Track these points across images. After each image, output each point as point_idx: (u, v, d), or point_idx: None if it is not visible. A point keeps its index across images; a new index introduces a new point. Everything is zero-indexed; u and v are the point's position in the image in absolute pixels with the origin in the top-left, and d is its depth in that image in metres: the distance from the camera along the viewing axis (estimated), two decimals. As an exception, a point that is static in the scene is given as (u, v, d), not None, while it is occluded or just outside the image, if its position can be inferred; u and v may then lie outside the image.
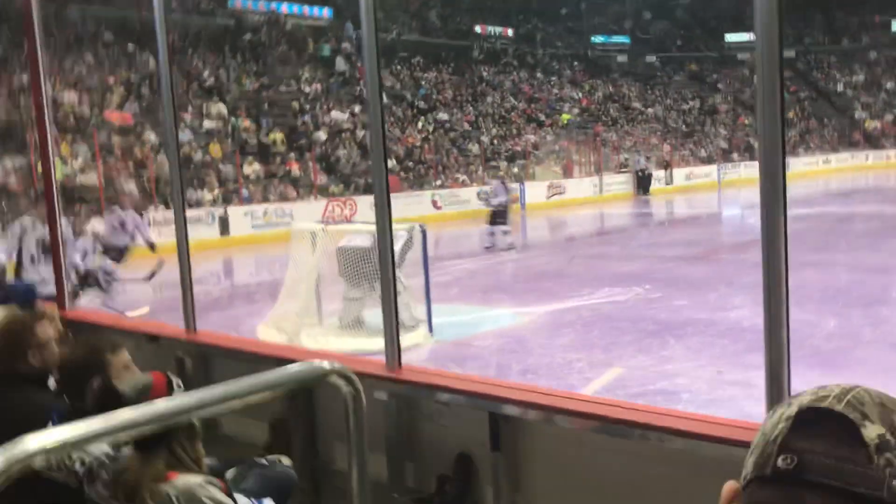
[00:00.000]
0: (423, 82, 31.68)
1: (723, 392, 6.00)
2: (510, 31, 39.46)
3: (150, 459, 1.95)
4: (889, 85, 42.60)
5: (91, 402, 2.01)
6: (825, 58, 44.64)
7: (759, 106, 2.01)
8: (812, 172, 33.48)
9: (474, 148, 28.49)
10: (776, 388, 2.03)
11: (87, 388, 2.13)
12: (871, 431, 0.60)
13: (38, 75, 5.16)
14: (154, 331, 3.98)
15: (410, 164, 25.45)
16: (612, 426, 2.35)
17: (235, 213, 18.95)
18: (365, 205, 20.67)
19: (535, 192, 26.52)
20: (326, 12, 32.10)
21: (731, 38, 44.76)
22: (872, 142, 39.79)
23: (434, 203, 23.23)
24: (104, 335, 3.75)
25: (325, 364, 1.73)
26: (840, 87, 43.69)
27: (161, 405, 1.47)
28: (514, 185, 22.93)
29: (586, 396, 2.71)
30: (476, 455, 2.79)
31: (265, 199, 20.48)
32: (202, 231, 17.33)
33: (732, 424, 2.15)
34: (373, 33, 2.85)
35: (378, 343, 7.12)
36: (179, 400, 1.55)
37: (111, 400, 1.91)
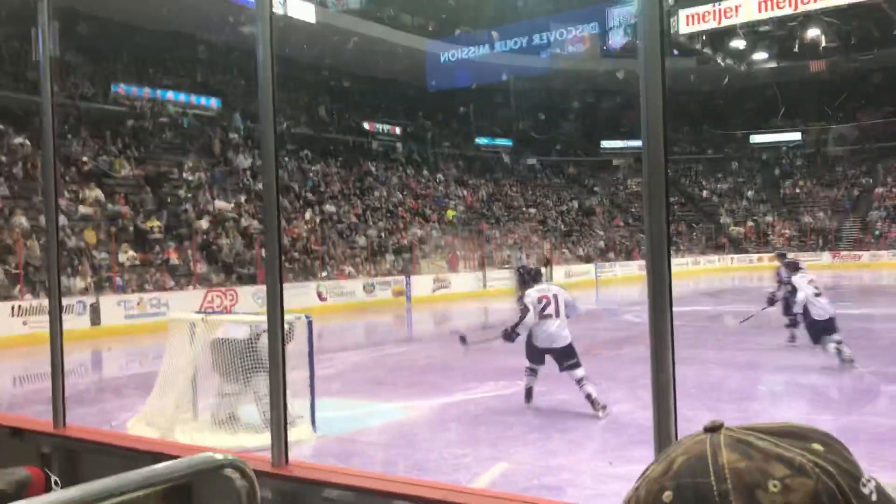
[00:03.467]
0: (311, 174, 31.79)
1: (606, 487, 6.04)
2: (398, 129, 40.42)
3: None
4: (749, 193, 45.89)
5: None
6: (693, 166, 47.80)
7: (645, 207, 2.09)
8: (682, 273, 35.26)
9: (361, 240, 28.57)
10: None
11: None
12: None
13: None
14: (17, 424, 3.67)
15: (296, 254, 25.21)
16: (505, 521, 2.30)
17: (108, 302, 18.11)
18: (246, 295, 20.20)
19: (420, 285, 26.71)
20: (214, 102, 31.97)
21: (606, 144, 47.39)
22: (736, 245, 42.48)
23: (319, 295, 22.97)
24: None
25: (218, 456, 1.63)
26: (706, 194, 46.72)
27: (42, 501, 1.33)
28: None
29: (479, 490, 2.66)
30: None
31: (140, 289, 19.71)
32: (72, 321, 16.43)
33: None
34: (271, 124, 2.83)
35: (253, 440, 6.88)
36: (62, 495, 1.41)
37: None
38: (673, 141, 45.94)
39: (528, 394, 8.76)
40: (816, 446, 0.62)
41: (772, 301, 12.68)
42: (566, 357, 8.39)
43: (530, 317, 8.39)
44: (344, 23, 31.81)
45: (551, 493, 5.76)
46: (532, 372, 8.75)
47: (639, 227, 41.09)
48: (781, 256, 12.88)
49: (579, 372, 8.35)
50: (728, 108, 45.47)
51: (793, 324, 12.13)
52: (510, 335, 8.61)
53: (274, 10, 2.94)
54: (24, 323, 15.95)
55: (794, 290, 11.42)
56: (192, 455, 1.78)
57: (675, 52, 35.27)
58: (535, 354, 8.61)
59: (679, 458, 0.63)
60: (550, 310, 8.36)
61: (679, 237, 41.07)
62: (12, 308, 16.32)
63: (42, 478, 1.90)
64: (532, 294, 8.53)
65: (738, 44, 35.13)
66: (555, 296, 8.47)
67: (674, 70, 35.29)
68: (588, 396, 8.09)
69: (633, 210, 43.20)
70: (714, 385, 10.04)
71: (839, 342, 10.53)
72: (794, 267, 11.99)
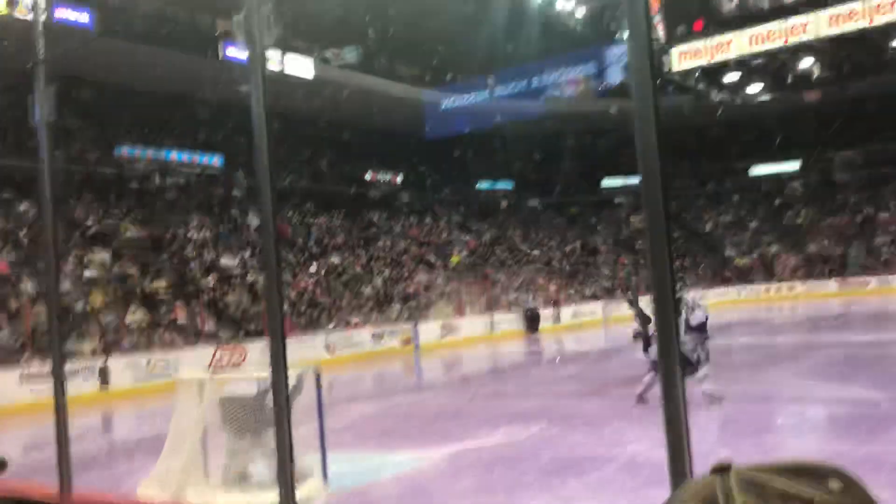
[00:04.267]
0: (314, 227, 31.91)
1: (626, 529, 5.94)
2: (399, 178, 40.66)
3: None
4: (753, 224, 45.89)
5: None
6: (693, 200, 47.90)
7: (648, 241, 2.09)
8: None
9: (367, 290, 28.56)
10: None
11: None
12: None
13: None
14: (22, 494, 3.64)
15: (303, 307, 25.19)
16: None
17: (117, 364, 18.04)
18: (255, 350, 20.14)
19: (428, 331, 26.60)
20: (217, 160, 32.23)
21: (607, 182, 47.58)
22: (743, 277, 42.32)
23: (328, 347, 22.89)
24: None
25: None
26: (709, 227, 46.73)
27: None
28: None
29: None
30: None
31: (148, 349, 19.66)
32: (81, 385, 16.37)
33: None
34: (267, 181, 2.86)
35: (265, 498, 6.79)
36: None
37: None
38: (672, 176, 46.12)
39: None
40: (834, 484, 0.59)
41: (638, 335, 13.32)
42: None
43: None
44: (341, 76, 32.22)
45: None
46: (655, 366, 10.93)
47: (644, 262, 41.02)
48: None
49: (699, 373, 10.63)
50: (726, 142, 45.66)
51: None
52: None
53: (270, 68, 2.99)
54: (31, 390, 15.87)
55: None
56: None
57: (670, 88, 35.59)
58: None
59: None
60: None
61: (684, 272, 40.99)
62: (20, 375, 16.28)
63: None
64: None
65: (732, 77, 35.43)
66: None
67: (670, 107, 35.63)
68: (703, 392, 10.01)
69: (637, 247, 43.22)
70: (729, 419, 9.92)
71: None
72: None
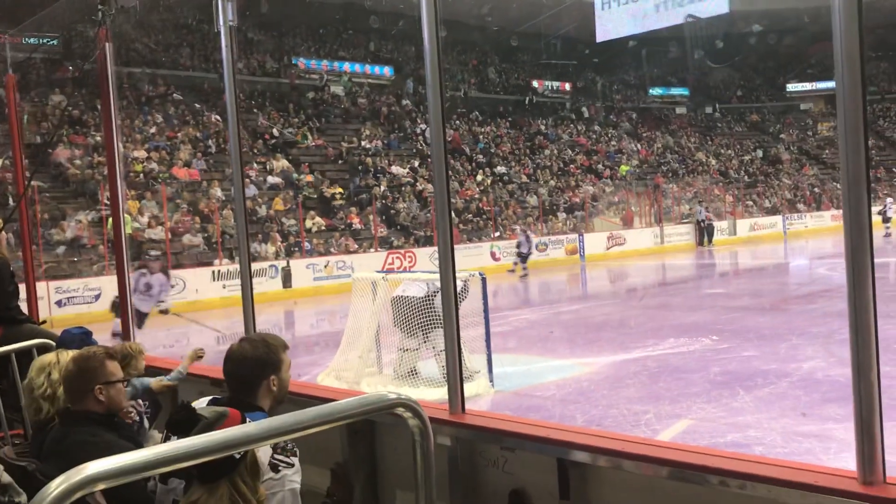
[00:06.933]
0: (481, 136, 31.96)
1: (798, 445, 5.73)
2: (567, 86, 39.69)
3: (214, 491, 1.92)
4: (960, 132, 41.41)
5: (170, 419, 2.00)
6: (892, 106, 43.69)
7: (842, 152, 1.94)
8: (879, 222, 32.43)
9: (532, 200, 28.48)
10: (868, 440, 1.91)
11: (259, 388, 2.37)
12: None
13: (111, 134, 5.33)
14: (218, 375, 3.98)
15: (469, 216, 25.54)
16: (687, 472, 2.23)
17: (298, 265, 19.20)
18: (423, 256, 20.76)
19: (594, 243, 26.29)
20: (388, 70, 32.83)
21: (792, 87, 44.24)
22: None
23: (493, 254, 23.20)
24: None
25: (391, 395, 1.69)
26: (908, 135, 42.61)
27: (226, 434, 1.45)
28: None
29: (659, 441, 2.59)
30: (541, 502, 2.69)
31: (327, 252, 20.73)
32: (266, 284, 17.61)
33: (819, 471, 2.02)
34: (438, 92, 2.86)
35: (433, 394, 7.08)
36: (244, 429, 1.52)
37: (188, 421, 1.92)
38: (870, 79, 42.04)
39: None
40: None
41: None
42: None
43: None
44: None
45: (738, 451, 5.54)
46: None
47: (831, 174, 38.21)
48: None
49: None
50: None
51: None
52: None
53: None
54: (224, 286, 17.25)
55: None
56: (373, 393, 1.85)
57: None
58: None
59: None
60: None
61: (877, 184, 37.82)
62: (212, 273, 17.71)
63: (238, 417, 2.06)
64: None
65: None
66: None
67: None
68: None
69: (824, 157, 40.20)
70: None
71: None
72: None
